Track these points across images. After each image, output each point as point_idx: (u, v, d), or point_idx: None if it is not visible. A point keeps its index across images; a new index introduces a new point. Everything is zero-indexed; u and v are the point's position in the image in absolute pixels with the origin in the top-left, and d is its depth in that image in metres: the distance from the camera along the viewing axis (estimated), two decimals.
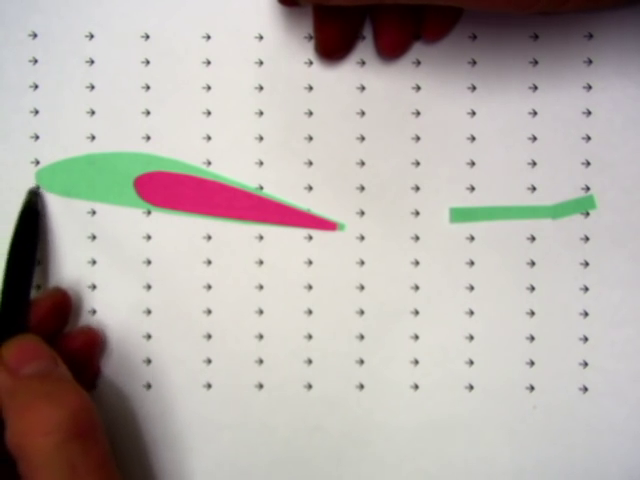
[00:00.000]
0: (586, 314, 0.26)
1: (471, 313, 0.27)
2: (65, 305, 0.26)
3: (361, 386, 0.27)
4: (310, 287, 0.27)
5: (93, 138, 0.27)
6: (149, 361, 0.27)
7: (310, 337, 0.27)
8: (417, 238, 0.27)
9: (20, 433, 0.19)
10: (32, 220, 0.26)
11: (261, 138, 0.27)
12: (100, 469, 0.20)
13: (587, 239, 0.26)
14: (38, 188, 0.26)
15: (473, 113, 0.26)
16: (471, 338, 0.27)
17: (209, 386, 0.27)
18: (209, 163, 0.27)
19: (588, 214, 0.26)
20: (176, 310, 0.27)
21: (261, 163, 0.27)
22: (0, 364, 0.21)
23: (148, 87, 0.27)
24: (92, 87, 0.27)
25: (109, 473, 0.20)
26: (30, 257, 0.25)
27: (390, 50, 0.25)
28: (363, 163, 0.27)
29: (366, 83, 0.26)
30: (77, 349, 0.25)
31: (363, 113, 0.26)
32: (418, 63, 0.26)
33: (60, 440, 0.19)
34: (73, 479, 0.19)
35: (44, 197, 0.26)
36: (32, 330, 0.24)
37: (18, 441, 0.19)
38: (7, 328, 0.23)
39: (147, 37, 0.27)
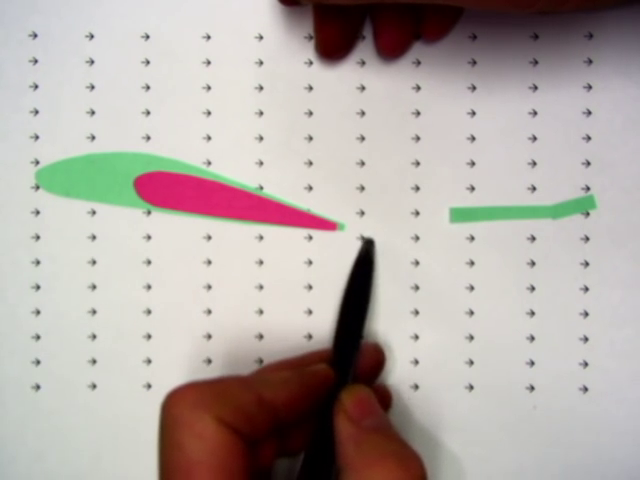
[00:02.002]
0: (586, 314, 0.26)
1: (471, 313, 0.27)
2: (382, 362, 0.26)
3: None
4: (310, 287, 0.27)
5: (93, 138, 0.27)
6: (149, 361, 0.27)
7: (310, 337, 0.27)
8: (417, 238, 0.27)
9: None
10: (367, 268, 0.25)
11: (261, 138, 0.27)
12: None
13: (587, 239, 0.26)
14: (372, 240, 0.26)
15: (473, 113, 0.26)
16: (471, 338, 0.27)
17: None
18: (209, 163, 0.27)
19: (588, 214, 0.26)
20: (176, 310, 0.27)
21: (261, 163, 0.27)
22: (342, 411, 0.21)
23: (148, 87, 0.27)
24: (92, 87, 0.27)
25: None
26: (364, 304, 0.25)
27: (390, 50, 0.25)
28: (363, 163, 0.27)
29: (366, 83, 0.26)
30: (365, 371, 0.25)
31: (363, 113, 0.26)
32: (418, 63, 0.26)
33: None
34: None
35: (377, 247, 0.26)
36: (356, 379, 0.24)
37: None
38: (343, 374, 0.23)
39: (147, 37, 0.27)
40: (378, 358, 0.26)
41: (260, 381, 0.21)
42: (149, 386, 0.27)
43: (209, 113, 0.27)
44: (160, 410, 0.20)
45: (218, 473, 0.18)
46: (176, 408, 0.19)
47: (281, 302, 0.27)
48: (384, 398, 0.26)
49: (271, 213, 0.27)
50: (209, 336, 0.27)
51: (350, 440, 0.20)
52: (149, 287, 0.27)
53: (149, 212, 0.27)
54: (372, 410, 0.22)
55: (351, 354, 0.24)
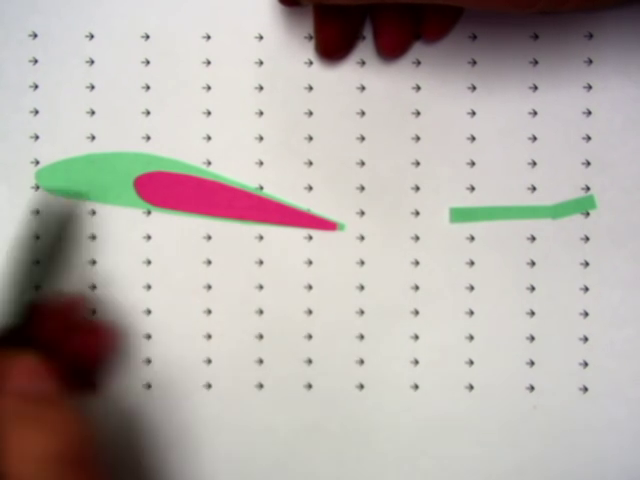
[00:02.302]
0: (586, 314, 0.26)
1: (471, 313, 0.27)
2: (76, 308, 0.26)
3: (361, 386, 0.27)
4: (310, 287, 0.27)
5: (93, 138, 0.27)
6: (149, 361, 0.27)
7: (310, 337, 0.27)
8: (417, 238, 0.27)
9: (6, 457, 0.19)
10: (56, 225, 0.25)
11: (261, 138, 0.27)
12: None
13: (587, 239, 0.26)
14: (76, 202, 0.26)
15: (473, 113, 0.26)
16: (471, 338, 0.27)
17: (209, 386, 0.27)
18: (209, 163, 0.27)
19: (588, 214, 0.26)
20: (176, 310, 0.27)
21: (261, 163, 0.27)
22: None
23: (148, 87, 0.27)
24: (92, 87, 0.27)
25: None
26: (38, 260, 0.24)
27: (390, 50, 0.25)
28: (363, 163, 0.27)
29: (366, 83, 0.26)
30: (86, 348, 0.25)
31: (363, 113, 0.26)
32: (418, 63, 0.26)
33: (52, 467, 0.19)
34: None
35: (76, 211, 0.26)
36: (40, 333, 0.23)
37: (6, 462, 0.19)
38: (13, 335, 0.23)
39: (147, 37, 0.27)
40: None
41: None
42: (149, 386, 0.27)
43: (209, 113, 0.27)
44: None
45: None
46: None
47: (281, 302, 0.27)
48: (105, 341, 0.26)
49: (271, 213, 0.27)
50: (209, 336, 0.27)
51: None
52: (149, 287, 0.27)
53: (149, 212, 0.27)
54: (35, 376, 0.21)
55: (25, 313, 0.23)
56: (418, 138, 0.26)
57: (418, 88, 0.26)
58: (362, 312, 0.27)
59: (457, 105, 0.26)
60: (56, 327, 0.25)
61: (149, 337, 0.27)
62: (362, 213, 0.27)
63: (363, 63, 0.26)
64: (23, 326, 0.23)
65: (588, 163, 0.26)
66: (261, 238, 0.27)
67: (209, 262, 0.27)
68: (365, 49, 0.26)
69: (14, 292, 0.24)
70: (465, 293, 0.27)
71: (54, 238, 0.25)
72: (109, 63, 0.27)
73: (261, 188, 0.27)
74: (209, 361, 0.27)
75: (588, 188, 0.26)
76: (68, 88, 0.27)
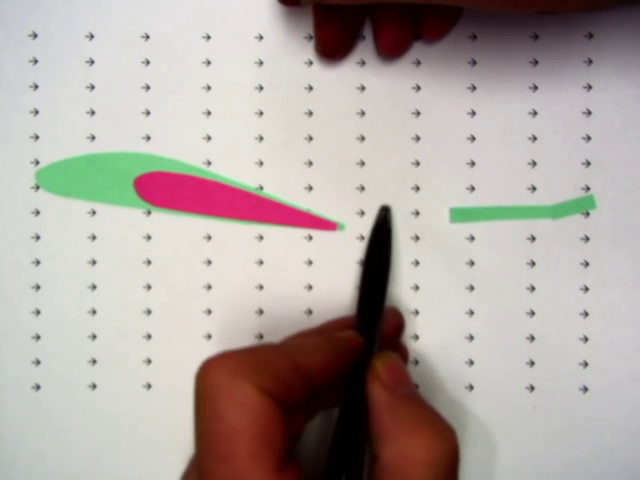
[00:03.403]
0: (586, 314, 0.26)
1: (471, 313, 0.27)
2: (402, 327, 0.26)
3: None
4: (310, 287, 0.27)
5: (93, 138, 0.27)
6: (149, 361, 0.27)
7: None
8: (417, 238, 0.27)
9: (403, 455, 0.19)
10: (385, 234, 0.25)
11: (261, 138, 0.27)
12: None
13: (587, 239, 0.26)
14: (388, 207, 0.26)
15: (473, 113, 0.26)
16: (471, 338, 0.27)
17: None
18: (209, 163, 0.27)
19: (588, 214, 0.26)
20: (176, 310, 0.27)
21: (261, 163, 0.27)
22: (377, 379, 0.21)
23: (148, 87, 0.27)
24: (92, 87, 0.27)
25: None
26: (384, 271, 0.25)
27: (390, 50, 0.25)
28: (363, 163, 0.27)
29: (366, 83, 0.26)
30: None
31: (363, 113, 0.26)
32: (418, 63, 0.26)
33: (439, 475, 0.19)
34: None
35: (393, 214, 0.26)
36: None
37: (398, 461, 0.19)
38: (368, 340, 0.23)
39: (147, 37, 0.27)
40: (398, 321, 0.26)
41: (293, 348, 0.21)
42: (149, 386, 0.27)
43: (209, 113, 0.27)
44: (195, 380, 0.20)
45: (260, 441, 0.18)
46: (214, 377, 0.19)
47: (281, 302, 0.27)
48: (403, 357, 0.26)
49: (271, 213, 0.27)
50: (209, 336, 0.27)
51: (386, 408, 0.20)
52: (149, 287, 0.27)
53: (149, 212, 0.27)
54: (404, 378, 0.22)
55: (376, 321, 0.24)
56: (418, 138, 0.26)
57: (418, 88, 0.26)
58: None
59: (457, 105, 0.26)
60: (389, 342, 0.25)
61: (149, 337, 0.27)
62: (362, 213, 0.27)
63: (363, 63, 0.26)
64: (378, 330, 0.24)
65: (588, 163, 0.26)
66: (261, 238, 0.27)
67: (209, 262, 0.27)
68: (365, 49, 0.26)
69: (369, 298, 0.24)
70: (465, 293, 0.27)
71: (388, 247, 0.25)
72: (109, 63, 0.27)
73: (261, 188, 0.27)
74: None
75: (588, 188, 0.26)
76: (68, 88, 0.27)
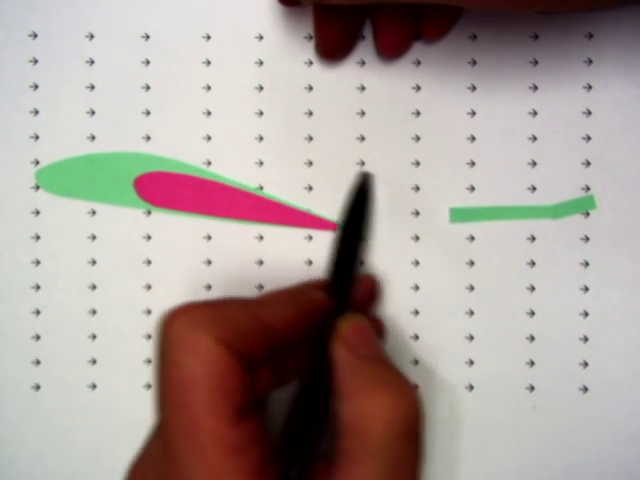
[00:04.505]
0: (586, 314, 0.26)
1: (471, 313, 0.27)
2: (377, 293, 0.26)
3: None
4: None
5: (93, 138, 0.27)
6: (149, 361, 0.27)
7: None
8: (417, 238, 0.27)
9: (361, 413, 0.19)
10: (362, 199, 0.25)
11: (261, 138, 0.27)
12: (415, 473, 0.19)
13: (587, 239, 0.26)
14: (369, 173, 0.25)
15: (473, 113, 0.26)
16: (471, 338, 0.27)
17: None
18: (209, 163, 0.27)
19: (588, 214, 0.26)
20: None
21: (261, 163, 0.27)
22: (340, 339, 0.21)
23: (148, 87, 0.27)
24: (92, 87, 0.27)
25: (419, 478, 0.20)
26: (360, 236, 0.24)
27: (390, 50, 0.25)
28: (363, 163, 0.27)
29: (366, 83, 0.26)
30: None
31: (363, 113, 0.26)
32: (418, 63, 0.26)
33: (397, 433, 0.19)
34: (395, 474, 0.19)
35: (373, 179, 0.25)
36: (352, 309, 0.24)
37: (356, 419, 0.19)
38: (340, 303, 0.23)
39: (147, 37, 0.27)
40: (373, 288, 0.26)
41: (258, 302, 0.21)
42: (149, 386, 0.27)
43: (209, 113, 0.27)
44: (157, 329, 0.20)
45: (215, 392, 0.18)
46: (174, 326, 0.19)
47: None
48: (378, 329, 0.26)
49: (271, 213, 0.27)
50: None
51: (347, 367, 0.20)
52: (149, 287, 0.27)
53: (149, 212, 0.27)
54: (369, 339, 0.22)
55: (347, 283, 0.24)
56: (418, 138, 0.26)
57: (418, 88, 0.26)
58: None
59: (457, 105, 0.26)
60: (363, 307, 0.25)
61: (149, 337, 0.27)
62: None
63: (363, 63, 0.26)
64: (349, 294, 0.24)
65: (588, 163, 0.26)
66: (261, 238, 0.27)
67: (209, 262, 0.27)
68: (365, 49, 0.26)
69: (342, 261, 0.24)
70: (465, 293, 0.27)
71: (366, 213, 0.25)
72: (109, 63, 0.27)
73: (261, 188, 0.27)
74: None
75: (588, 188, 0.26)
76: (68, 88, 0.27)
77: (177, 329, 0.19)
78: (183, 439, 0.18)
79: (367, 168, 0.27)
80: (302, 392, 0.22)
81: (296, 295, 0.22)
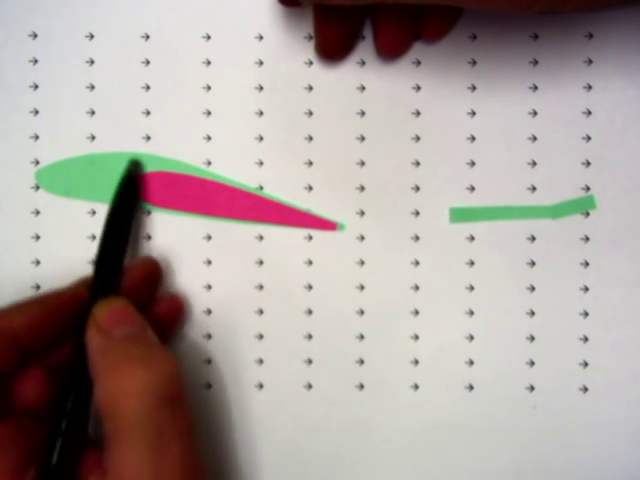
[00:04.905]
0: (586, 314, 0.26)
1: (471, 313, 0.27)
2: (155, 275, 0.26)
3: (361, 386, 0.27)
4: (310, 287, 0.27)
5: (93, 138, 0.27)
6: None
7: (310, 337, 0.27)
8: (417, 238, 0.27)
9: (111, 393, 0.19)
10: (131, 188, 0.25)
11: (261, 138, 0.27)
12: (185, 436, 0.20)
13: (587, 239, 0.26)
14: (138, 160, 0.26)
15: (473, 113, 0.26)
16: (471, 338, 0.27)
17: (209, 386, 0.27)
18: (209, 163, 0.27)
19: (588, 214, 0.26)
20: None
21: (261, 163, 0.27)
22: (93, 323, 0.21)
23: (148, 87, 0.27)
24: (92, 87, 0.27)
25: (192, 441, 0.20)
26: (127, 224, 0.25)
27: (390, 50, 0.25)
28: (363, 163, 0.27)
29: (366, 83, 0.26)
30: (162, 316, 0.25)
31: (363, 113, 0.26)
32: (418, 63, 0.26)
33: (152, 404, 0.19)
34: (160, 444, 0.19)
35: (143, 166, 0.26)
36: (123, 296, 0.24)
37: (108, 400, 0.19)
38: (100, 290, 0.23)
39: (147, 37, 0.27)
40: (148, 269, 0.26)
41: None
42: None
43: (209, 113, 0.27)
44: None
45: None
46: None
47: (281, 302, 0.27)
48: (174, 307, 0.26)
49: (271, 213, 0.27)
50: (209, 336, 0.27)
51: (98, 351, 0.21)
52: None
53: (149, 212, 0.27)
54: (126, 319, 0.22)
55: (113, 272, 0.24)
56: (418, 138, 0.26)
57: (418, 88, 0.26)
58: (362, 312, 0.27)
59: (457, 105, 0.26)
60: (138, 291, 0.25)
61: None
62: (362, 213, 0.27)
63: (363, 63, 0.26)
64: (113, 281, 0.24)
65: (588, 163, 0.26)
66: (261, 238, 0.27)
67: (209, 262, 0.27)
68: (365, 49, 0.26)
69: (103, 250, 0.24)
70: (465, 293, 0.27)
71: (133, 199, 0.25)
72: (109, 63, 0.27)
73: (261, 188, 0.27)
74: (209, 361, 0.27)
75: (588, 188, 0.26)
76: (68, 88, 0.27)
77: None
78: None
79: (367, 168, 0.27)
80: (64, 384, 0.22)
81: (39, 295, 0.22)
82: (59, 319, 0.22)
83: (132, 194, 0.26)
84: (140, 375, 0.19)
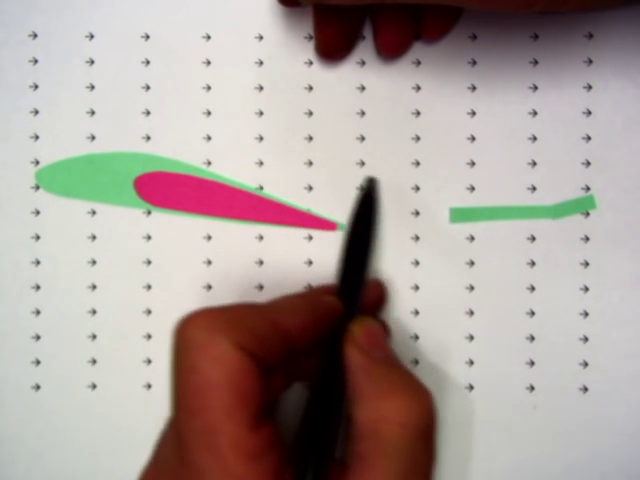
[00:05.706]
0: (586, 314, 0.26)
1: (471, 313, 0.27)
2: (384, 299, 0.26)
3: None
4: (310, 287, 0.27)
5: (93, 138, 0.27)
6: (149, 361, 0.27)
7: None
8: (417, 238, 0.27)
9: (378, 415, 0.19)
10: (370, 205, 0.25)
11: (261, 138, 0.27)
12: (429, 473, 0.20)
13: (587, 239, 0.26)
14: (375, 178, 0.25)
15: (473, 113, 0.26)
16: (471, 338, 0.27)
17: None
18: (209, 163, 0.27)
19: (588, 214, 0.26)
20: (176, 310, 0.27)
21: (261, 163, 0.27)
22: (353, 342, 0.21)
23: (148, 87, 0.27)
24: (92, 87, 0.27)
25: (432, 477, 0.20)
26: (369, 241, 0.24)
27: (390, 50, 0.25)
28: (363, 163, 0.27)
29: (366, 83, 0.26)
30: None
31: (363, 113, 0.26)
32: (418, 63, 0.26)
33: (412, 436, 0.19)
34: (410, 474, 0.19)
35: (380, 185, 0.25)
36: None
37: (373, 422, 0.19)
38: (352, 308, 0.23)
39: (147, 37, 0.27)
40: (380, 293, 0.26)
41: (273, 308, 0.21)
42: (149, 386, 0.27)
43: (209, 113, 0.27)
44: (173, 334, 0.20)
45: (234, 396, 0.18)
46: (191, 331, 0.19)
47: None
48: (385, 332, 0.26)
49: (271, 213, 0.27)
50: None
51: (361, 371, 0.21)
52: (149, 287, 0.27)
53: (149, 212, 0.27)
54: (381, 342, 0.22)
55: (357, 289, 0.24)
56: (418, 138, 0.26)
57: (418, 88, 0.26)
58: None
59: (457, 105, 0.26)
60: (371, 310, 0.25)
61: (149, 337, 0.27)
62: None
63: (363, 63, 0.26)
64: (359, 298, 0.24)
65: (588, 163, 0.26)
66: (261, 238, 0.27)
67: (209, 262, 0.27)
68: (365, 49, 0.26)
69: (351, 266, 0.24)
70: (465, 293, 0.27)
71: (373, 218, 0.25)
72: (109, 63, 0.27)
73: (261, 188, 0.27)
74: None
75: (588, 188, 0.26)
76: (68, 88, 0.27)
77: (194, 334, 0.19)
78: (200, 444, 0.18)
79: (367, 168, 0.27)
80: (316, 396, 0.22)
81: (309, 300, 0.22)
82: (321, 327, 0.22)
83: (372, 211, 0.25)
84: (407, 405, 0.19)
